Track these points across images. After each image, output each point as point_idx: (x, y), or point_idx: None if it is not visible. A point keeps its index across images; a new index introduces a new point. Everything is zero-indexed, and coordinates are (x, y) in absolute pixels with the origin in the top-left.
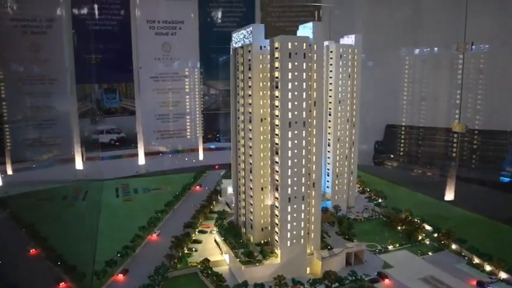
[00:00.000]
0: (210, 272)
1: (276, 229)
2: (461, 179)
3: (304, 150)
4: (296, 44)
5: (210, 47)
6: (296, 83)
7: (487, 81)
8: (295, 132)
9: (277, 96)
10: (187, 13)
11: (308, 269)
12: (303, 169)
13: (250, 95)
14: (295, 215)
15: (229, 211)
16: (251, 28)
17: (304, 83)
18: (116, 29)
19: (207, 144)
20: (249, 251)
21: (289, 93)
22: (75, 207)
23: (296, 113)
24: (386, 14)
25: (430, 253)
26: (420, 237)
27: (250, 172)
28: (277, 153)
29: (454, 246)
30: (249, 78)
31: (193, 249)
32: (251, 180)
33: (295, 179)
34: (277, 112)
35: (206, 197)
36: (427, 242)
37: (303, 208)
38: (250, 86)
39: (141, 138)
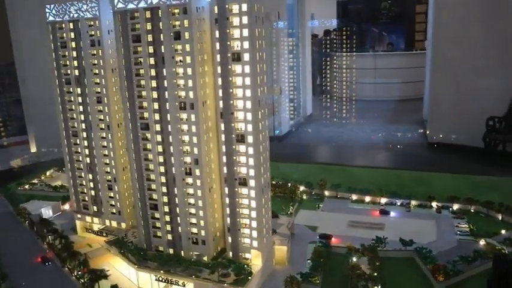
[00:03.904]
0: None
1: (244, 230)
2: None
3: (267, 131)
4: (259, 6)
5: None
6: (261, 54)
7: None
8: (262, 111)
9: (234, 72)
10: None
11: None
12: (267, 152)
13: (178, 74)
14: (266, 206)
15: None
16: None
17: (265, 53)
18: None
19: None
20: (240, 266)
21: (258, 67)
22: None
23: (262, 89)
24: None
25: (321, 205)
26: (296, 196)
27: (188, 173)
28: (240, 140)
29: (327, 193)
30: (175, 51)
31: None
32: (189, 184)
33: (265, 165)
34: (238, 91)
35: (35, 234)
36: (305, 197)
37: (268, 196)
38: (180, 62)
39: None
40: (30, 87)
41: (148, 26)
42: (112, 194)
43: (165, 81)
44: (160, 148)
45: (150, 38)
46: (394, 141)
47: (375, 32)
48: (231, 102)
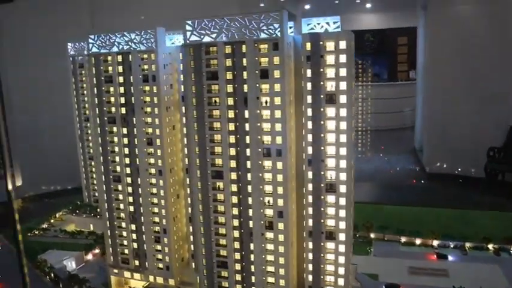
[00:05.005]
0: None
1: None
2: None
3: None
4: (353, 43)
5: None
6: (353, 95)
7: None
8: (354, 157)
9: (326, 116)
10: None
11: None
12: (353, 202)
13: (263, 117)
14: (351, 261)
15: None
16: (273, 14)
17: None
18: None
19: None
20: None
21: (352, 110)
22: None
23: (354, 133)
24: None
25: (371, 249)
26: None
27: (268, 227)
28: (330, 190)
29: (372, 235)
30: (261, 91)
31: None
32: (269, 239)
33: (353, 216)
34: (329, 136)
35: None
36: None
37: (352, 248)
38: (266, 104)
39: None
40: (18, 118)
41: (228, 63)
42: (159, 247)
43: (247, 125)
44: (235, 199)
45: (229, 75)
46: (392, 173)
47: (358, 64)
48: (322, 148)
